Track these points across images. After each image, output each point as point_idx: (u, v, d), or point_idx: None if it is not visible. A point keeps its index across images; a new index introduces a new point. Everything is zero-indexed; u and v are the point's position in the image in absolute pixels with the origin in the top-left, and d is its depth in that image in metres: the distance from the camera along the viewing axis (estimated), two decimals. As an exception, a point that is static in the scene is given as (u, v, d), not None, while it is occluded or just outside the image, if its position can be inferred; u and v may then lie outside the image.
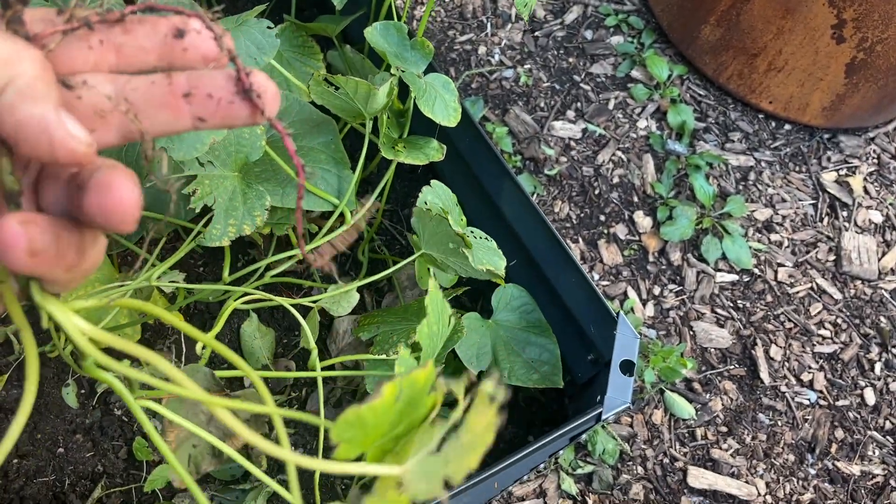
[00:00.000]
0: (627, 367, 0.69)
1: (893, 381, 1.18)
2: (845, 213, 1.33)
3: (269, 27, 0.63)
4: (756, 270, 1.25)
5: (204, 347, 0.67)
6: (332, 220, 0.74)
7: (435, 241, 0.72)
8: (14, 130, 0.25)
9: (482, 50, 1.40)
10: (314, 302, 0.73)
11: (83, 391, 0.85)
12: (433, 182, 0.74)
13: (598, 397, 0.69)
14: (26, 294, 0.29)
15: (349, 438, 0.27)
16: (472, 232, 0.76)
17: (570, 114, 1.36)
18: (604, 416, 0.66)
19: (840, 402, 1.16)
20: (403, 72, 0.70)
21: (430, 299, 0.58)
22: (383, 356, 0.68)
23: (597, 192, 1.28)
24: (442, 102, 0.73)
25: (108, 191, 0.26)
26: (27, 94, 0.25)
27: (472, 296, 1.01)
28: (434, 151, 0.78)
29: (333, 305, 0.78)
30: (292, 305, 0.69)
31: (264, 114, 0.29)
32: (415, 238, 0.74)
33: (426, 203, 0.71)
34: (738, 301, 1.22)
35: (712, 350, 1.17)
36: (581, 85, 1.39)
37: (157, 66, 0.30)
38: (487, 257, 0.73)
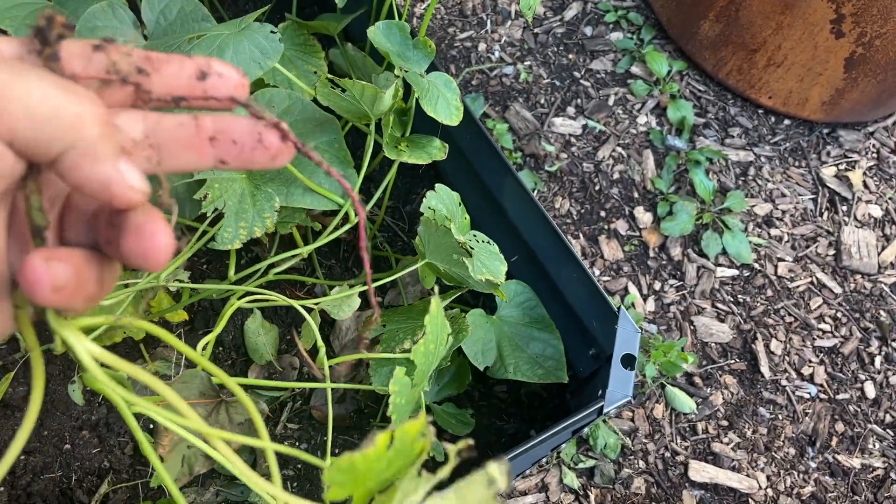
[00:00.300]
0: (629, 360, 0.70)
1: (893, 374, 1.19)
2: (845, 208, 1.33)
3: (272, 31, 0.64)
4: (756, 265, 1.25)
5: (205, 348, 0.68)
6: (336, 219, 0.74)
7: (440, 251, 0.73)
8: (75, 184, 0.27)
9: (482, 47, 1.40)
10: (316, 304, 0.74)
11: (89, 388, 0.86)
12: (438, 186, 0.74)
13: (600, 391, 0.70)
14: (41, 317, 0.30)
15: (340, 482, 0.28)
16: (474, 236, 0.76)
17: (571, 110, 1.36)
18: (605, 410, 0.66)
19: (840, 396, 1.16)
20: (406, 72, 0.71)
21: (430, 319, 0.59)
22: (389, 354, 0.69)
23: (597, 188, 1.29)
24: (444, 101, 0.74)
25: (146, 236, 0.28)
26: (91, 156, 0.26)
27: (475, 291, 1.01)
28: (436, 150, 0.79)
29: (335, 309, 0.78)
30: (294, 308, 0.70)
31: (284, 158, 0.31)
32: (419, 247, 0.75)
33: (430, 208, 0.71)
34: (739, 296, 1.23)
35: (713, 344, 1.18)
36: (581, 81, 1.40)
37: (180, 105, 0.31)
38: (489, 262, 0.74)
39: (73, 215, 0.30)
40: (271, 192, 0.62)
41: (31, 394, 0.29)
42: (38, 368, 0.29)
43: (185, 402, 0.30)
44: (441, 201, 0.73)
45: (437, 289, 0.70)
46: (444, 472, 0.28)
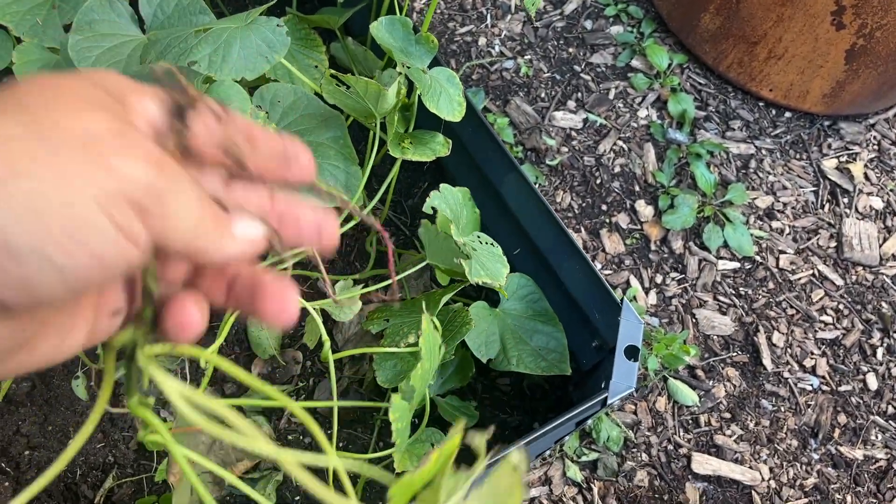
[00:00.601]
0: (632, 352, 0.70)
1: (895, 366, 1.19)
2: (846, 200, 1.33)
3: (279, 25, 0.64)
4: (758, 258, 1.26)
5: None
6: (340, 218, 0.74)
7: (439, 253, 0.73)
8: (199, 263, 0.32)
9: (482, 41, 1.40)
10: (317, 308, 0.74)
11: (92, 383, 0.86)
12: (442, 187, 0.74)
13: (603, 383, 0.70)
14: (125, 349, 0.33)
15: (399, 496, 0.32)
16: (478, 237, 0.76)
17: (571, 104, 1.36)
18: (609, 401, 0.66)
19: (842, 388, 1.17)
20: (409, 68, 0.71)
21: (423, 339, 0.60)
22: (394, 348, 0.69)
23: (598, 181, 1.29)
24: (447, 97, 0.74)
25: (282, 302, 0.33)
26: (216, 248, 0.30)
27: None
28: (440, 146, 0.79)
29: (337, 311, 0.78)
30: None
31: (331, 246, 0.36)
32: (421, 249, 0.75)
33: (433, 208, 0.71)
34: (740, 288, 1.23)
35: (715, 337, 1.18)
36: (581, 75, 1.39)
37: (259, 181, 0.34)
38: (490, 264, 0.74)
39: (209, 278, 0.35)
40: None
41: (94, 406, 0.30)
42: (106, 394, 0.32)
43: (253, 435, 0.32)
44: (445, 201, 0.73)
45: (427, 318, 0.70)
46: (478, 468, 0.31)
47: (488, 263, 0.74)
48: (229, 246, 0.31)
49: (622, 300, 0.72)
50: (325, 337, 0.68)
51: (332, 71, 0.70)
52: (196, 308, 0.32)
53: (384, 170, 1.01)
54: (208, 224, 0.30)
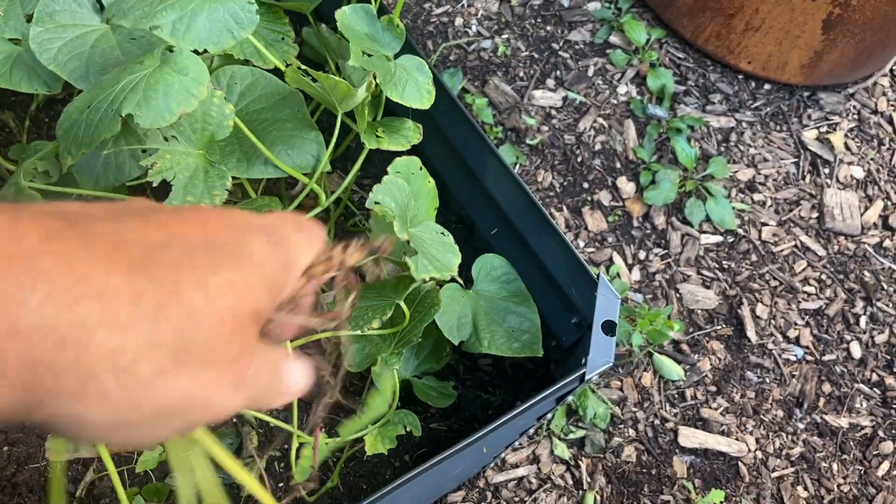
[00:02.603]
0: (609, 327, 0.70)
1: (879, 333, 1.19)
2: (827, 170, 1.33)
3: (249, 2, 0.62)
4: (740, 231, 1.25)
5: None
6: (302, 196, 0.73)
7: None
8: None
9: (459, 21, 1.39)
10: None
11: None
12: (385, 179, 0.71)
13: (583, 359, 0.70)
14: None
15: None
16: (429, 227, 0.74)
17: (550, 82, 1.35)
18: (587, 377, 0.66)
19: (826, 357, 1.17)
20: (370, 56, 0.69)
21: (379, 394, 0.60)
22: (358, 332, 0.69)
23: (579, 159, 1.28)
24: (414, 85, 0.72)
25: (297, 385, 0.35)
26: (263, 404, 0.34)
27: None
28: (411, 132, 0.78)
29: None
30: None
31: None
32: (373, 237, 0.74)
33: (377, 202, 0.68)
34: (724, 262, 1.23)
35: (699, 311, 1.18)
36: (560, 53, 1.39)
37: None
38: (441, 255, 0.71)
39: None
40: (225, 171, 0.61)
41: None
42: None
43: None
44: (389, 194, 0.70)
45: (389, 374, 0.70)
46: None
47: (438, 254, 0.72)
48: (278, 403, 0.34)
49: (598, 275, 0.72)
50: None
51: (299, 64, 0.68)
52: None
53: (358, 152, 1.00)
54: (269, 398, 0.33)
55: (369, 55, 0.69)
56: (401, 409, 0.74)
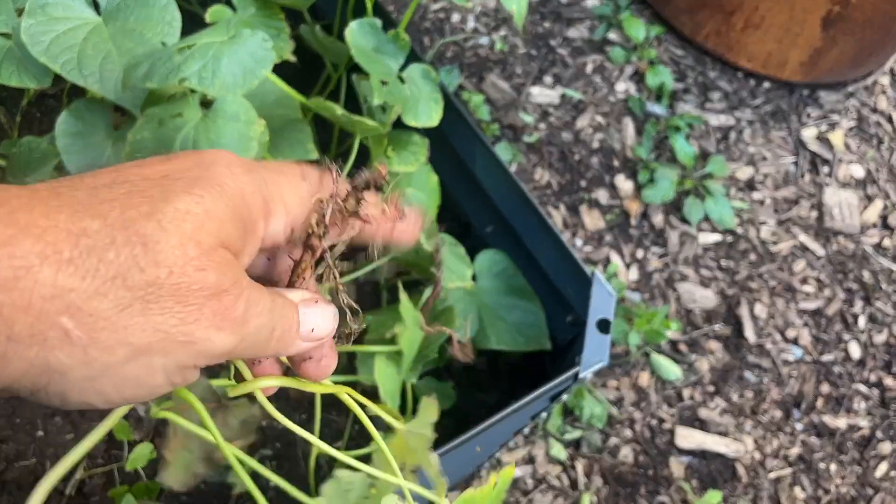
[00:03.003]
0: (604, 325, 0.69)
1: (877, 334, 1.19)
2: (826, 169, 1.32)
3: (265, 40, 0.62)
4: (739, 230, 1.25)
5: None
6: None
7: (406, 253, 0.72)
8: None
9: (456, 18, 1.38)
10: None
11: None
12: (408, 192, 0.73)
13: (577, 357, 0.69)
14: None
15: None
16: (441, 239, 0.75)
17: (548, 79, 1.34)
18: (581, 375, 0.65)
19: (825, 357, 1.16)
20: (387, 84, 0.69)
21: (403, 309, 0.59)
22: (374, 347, 0.69)
23: (577, 157, 1.28)
24: (425, 102, 0.72)
25: (325, 367, 0.37)
26: (274, 351, 0.33)
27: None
28: (419, 148, 0.77)
29: None
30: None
31: None
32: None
33: None
34: (722, 261, 1.22)
35: (697, 311, 1.17)
36: (558, 50, 1.38)
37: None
38: (456, 267, 0.73)
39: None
40: None
41: None
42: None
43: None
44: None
45: (400, 285, 0.70)
46: None
47: (454, 266, 0.73)
48: (295, 349, 0.34)
49: (593, 273, 0.71)
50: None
51: (342, 109, 0.67)
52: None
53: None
54: (277, 344, 0.32)
55: (384, 82, 0.69)
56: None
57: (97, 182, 0.27)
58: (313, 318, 0.33)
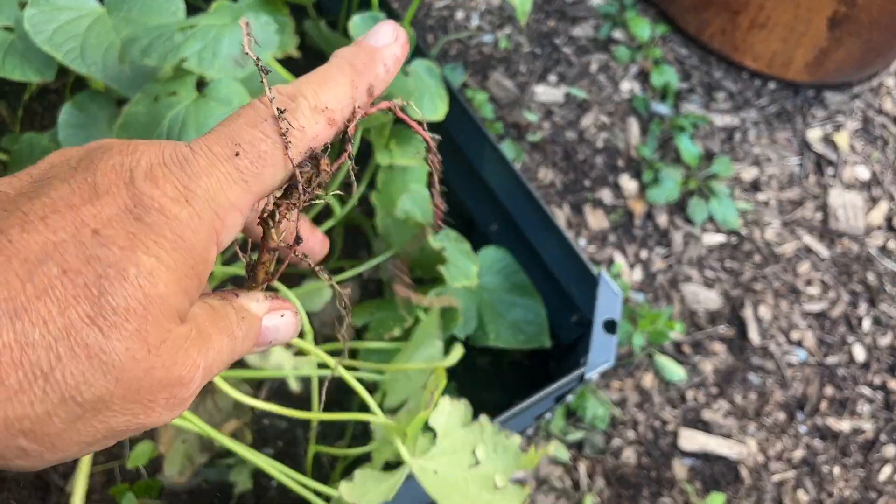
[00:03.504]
0: (610, 325, 0.68)
1: (882, 336, 1.18)
2: (831, 171, 1.31)
3: (267, 23, 0.61)
4: (743, 231, 1.24)
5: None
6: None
7: (405, 242, 0.71)
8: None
9: (460, 15, 1.38)
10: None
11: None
12: (412, 187, 0.72)
13: (582, 358, 0.68)
14: None
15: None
16: (447, 235, 0.74)
17: (552, 78, 1.34)
18: (586, 375, 0.65)
19: (829, 360, 1.15)
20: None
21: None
22: (377, 343, 0.69)
23: (581, 157, 1.27)
24: (429, 96, 0.72)
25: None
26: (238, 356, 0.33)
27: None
28: (421, 143, 0.77)
29: (306, 300, 0.77)
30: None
31: None
32: (385, 237, 0.73)
33: (405, 212, 0.69)
34: (726, 262, 1.21)
35: (701, 312, 1.17)
36: (562, 48, 1.37)
37: None
38: (462, 263, 0.72)
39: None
40: None
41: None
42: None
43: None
44: (415, 203, 0.71)
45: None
46: None
47: (460, 263, 0.72)
48: (260, 349, 0.34)
49: (599, 273, 0.71)
50: (308, 327, 0.66)
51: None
52: None
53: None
54: (236, 354, 0.32)
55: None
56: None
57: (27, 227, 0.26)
58: (275, 333, 0.34)
